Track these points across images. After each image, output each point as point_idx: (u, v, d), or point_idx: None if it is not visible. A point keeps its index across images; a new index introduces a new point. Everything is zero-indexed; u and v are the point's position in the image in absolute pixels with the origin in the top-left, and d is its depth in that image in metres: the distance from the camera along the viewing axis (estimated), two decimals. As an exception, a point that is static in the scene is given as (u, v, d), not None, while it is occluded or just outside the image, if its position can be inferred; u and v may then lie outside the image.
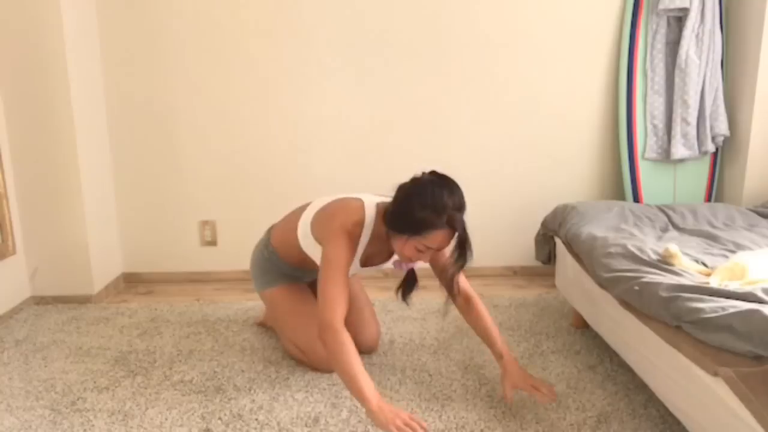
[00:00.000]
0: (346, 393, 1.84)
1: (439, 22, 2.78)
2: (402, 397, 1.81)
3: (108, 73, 2.78)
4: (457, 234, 1.59)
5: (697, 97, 2.72)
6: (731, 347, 1.27)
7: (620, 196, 2.94)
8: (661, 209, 2.40)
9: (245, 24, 2.76)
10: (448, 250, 1.66)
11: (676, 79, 2.72)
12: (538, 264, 2.66)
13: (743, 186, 2.73)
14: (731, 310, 1.32)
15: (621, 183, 2.91)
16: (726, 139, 2.82)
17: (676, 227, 2.28)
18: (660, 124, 2.79)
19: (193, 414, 1.73)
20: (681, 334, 1.41)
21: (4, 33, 2.41)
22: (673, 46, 2.75)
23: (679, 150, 2.74)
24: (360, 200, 1.79)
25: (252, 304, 2.61)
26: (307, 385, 1.90)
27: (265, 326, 2.37)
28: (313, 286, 2.05)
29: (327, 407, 1.76)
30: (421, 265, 1.81)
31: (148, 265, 2.99)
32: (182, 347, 2.18)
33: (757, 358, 1.23)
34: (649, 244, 1.94)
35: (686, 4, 2.62)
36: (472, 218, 1.66)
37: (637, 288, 1.60)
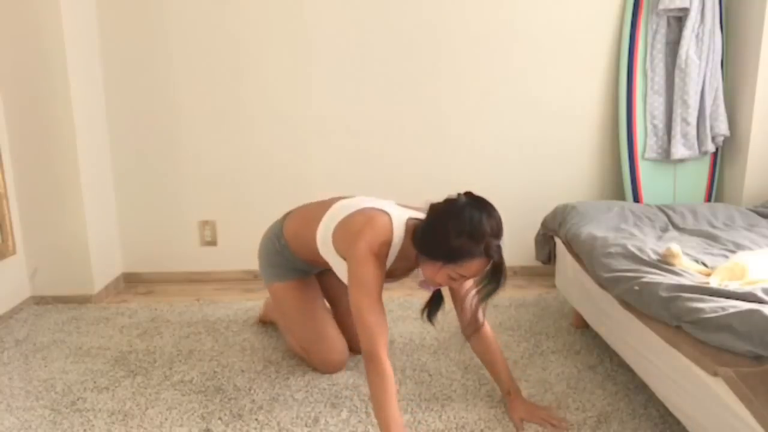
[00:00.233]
0: (346, 393, 1.84)
1: (439, 23, 2.78)
2: (402, 397, 1.81)
3: (108, 73, 2.78)
4: (493, 260, 1.50)
5: (697, 97, 2.72)
6: (731, 347, 1.27)
7: (620, 196, 2.94)
8: (661, 209, 2.40)
9: (245, 24, 2.76)
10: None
11: (676, 79, 2.72)
12: (538, 264, 2.66)
13: (743, 186, 2.73)
14: (731, 310, 1.32)
15: (621, 183, 2.91)
16: (726, 139, 2.82)
17: (676, 227, 2.28)
18: (660, 124, 2.79)
19: (193, 414, 1.73)
20: (681, 334, 1.41)
21: (4, 33, 2.41)
22: (673, 46, 2.75)
23: (679, 150, 2.74)
24: (388, 215, 1.66)
25: (252, 304, 2.61)
26: (307, 385, 1.90)
27: (265, 323, 2.36)
28: (321, 279, 2.04)
29: (327, 407, 1.76)
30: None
31: (148, 265, 2.99)
32: (182, 347, 2.18)
33: (757, 358, 1.23)
34: (649, 244, 1.94)
35: (686, 4, 2.62)
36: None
37: (637, 288, 1.60)
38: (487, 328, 1.76)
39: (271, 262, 1.98)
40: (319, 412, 1.73)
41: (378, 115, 2.87)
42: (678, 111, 2.73)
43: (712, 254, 1.88)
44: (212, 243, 2.97)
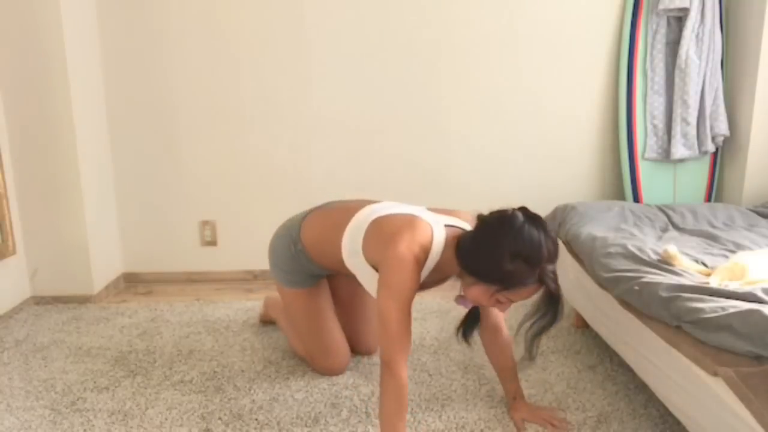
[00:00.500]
0: (346, 393, 1.84)
1: (439, 22, 2.78)
2: (402, 397, 1.81)
3: (108, 73, 2.78)
4: (549, 288, 1.38)
5: (697, 97, 2.72)
6: (731, 347, 1.27)
7: (620, 196, 2.94)
8: (661, 209, 2.40)
9: (245, 24, 2.76)
10: None
11: (676, 79, 2.71)
12: (538, 264, 2.66)
13: (743, 186, 2.73)
14: (731, 310, 1.32)
15: (621, 183, 2.91)
16: (726, 139, 2.82)
17: (676, 227, 2.28)
18: (660, 124, 2.79)
19: (193, 414, 1.73)
20: (681, 334, 1.41)
21: (4, 33, 2.41)
22: (673, 46, 2.75)
23: (679, 150, 2.74)
24: (428, 223, 1.52)
25: (252, 304, 2.61)
26: (307, 385, 1.90)
27: (266, 323, 2.36)
28: (330, 278, 1.97)
29: (327, 407, 1.76)
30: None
31: (148, 265, 2.99)
32: (182, 347, 2.18)
33: (757, 358, 1.23)
34: (649, 244, 1.94)
35: (686, 4, 2.62)
36: (472, 218, 1.65)
37: (637, 288, 1.60)
38: (506, 332, 1.71)
39: (284, 267, 1.87)
40: (319, 412, 1.73)
41: (379, 115, 2.87)
42: (678, 111, 2.73)
43: (712, 254, 1.88)
44: (212, 243, 2.98)
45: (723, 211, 2.38)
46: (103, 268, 2.77)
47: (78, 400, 1.81)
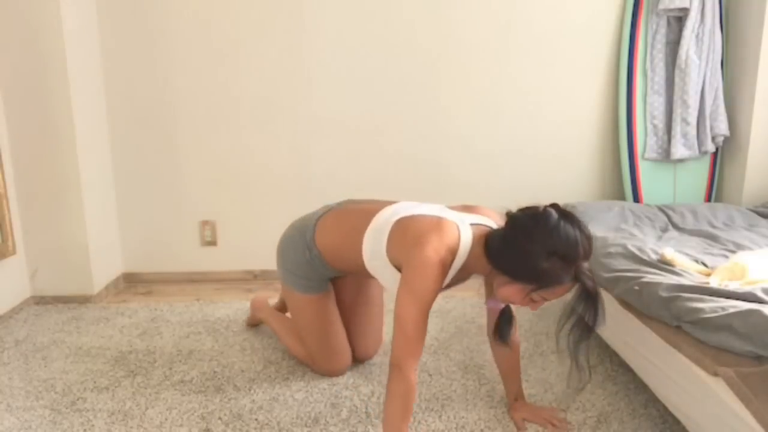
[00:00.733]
0: (346, 393, 1.84)
1: (439, 22, 2.78)
2: (402, 397, 1.81)
3: (108, 73, 2.78)
4: (585, 286, 1.33)
5: (697, 97, 2.72)
6: (731, 347, 1.27)
7: (620, 196, 2.94)
8: (661, 209, 2.40)
9: (245, 24, 2.76)
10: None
11: (676, 79, 2.72)
12: (538, 264, 2.66)
13: (743, 186, 2.73)
14: (731, 310, 1.32)
15: (621, 183, 2.91)
16: (726, 139, 2.82)
17: (676, 227, 2.28)
18: (660, 124, 2.79)
19: (193, 414, 1.73)
20: (681, 334, 1.41)
21: (4, 33, 2.41)
22: (673, 46, 2.75)
23: (679, 150, 2.74)
24: (453, 222, 1.50)
25: (252, 304, 2.61)
26: (307, 385, 1.90)
27: (253, 326, 2.35)
28: (335, 283, 1.94)
29: (327, 407, 1.76)
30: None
31: (148, 265, 2.99)
32: (182, 347, 2.18)
33: (757, 358, 1.23)
34: (649, 244, 1.94)
35: (686, 4, 2.62)
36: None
37: (637, 288, 1.60)
38: (516, 337, 1.68)
39: (298, 272, 1.84)
40: (319, 412, 1.73)
41: (379, 115, 2.87)
42: (678, 111, 2.73)
43: (712, 254, 1.89)
44: (212, 243, 2.98)
45: (723, 211, 2.38)
46: (103, 268, 2.77)
47: (78, 400, 1.81)
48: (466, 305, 2.55)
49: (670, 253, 1.75)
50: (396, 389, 1.40)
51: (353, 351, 1.97)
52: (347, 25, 2.78)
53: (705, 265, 1.77)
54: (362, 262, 1.64)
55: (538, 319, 2.40)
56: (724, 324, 1.29)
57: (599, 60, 2.84)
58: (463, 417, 1.70)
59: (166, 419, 1.70)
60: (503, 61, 2.83)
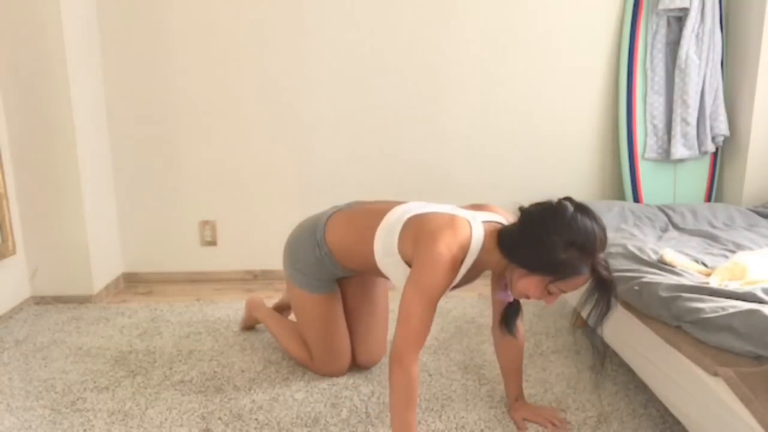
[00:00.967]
0: (346, 393, 1.84)
1: (439, 22, 2.78)
2: (402, 397, 1.81)
3: (108, 73, 2.78)
4: (602, 276, 1.34)
5: (697, 97, 2.72)
6: (731, 347, 1.27)
7: (620, 196, 2.94)
8: (661, 209, 2.40)
9: (245, 24, 2.76)
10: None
11: (676, 79, 2.72)
12: (538, 264, 2.66)
13: (743, 186, 2.73)
14: (731, 310, 1.32)
15: (621, 183, 2.92)
16: (726, 139, 2.82)
17: (676, 227, 2.28)
18: (660, 124, 2.79)
19: (193, 414, 1.73)
20: (681, 334, 1.41)
21: (4, 33, 2.41)
22: (673, 46, 2.75)
23: (679, 150, 2.74)
24: (465, 219, 1.50)
25: (252, 304, 2.61)
26: (307, 385, 1.90)
27: (248, 329, 2.33)
28: (342, 285, 1.93)
29: (327, 407, 1.76)
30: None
31: (148, 265, 2.99)
32: (182, 347, 2.18)
33: (757, 358, 1.23)
34: (649, 244, 1.94)
35: (686, 4, 2.62)
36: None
37: (637, 288, 1.60)
38: (522, 332, 1.68)
39: (306, 271, 1.83)
40: (319, 412, 1.73)
41: (379, 115, 2.87)
42: (678, 111, 2.73)
43: (712, 254, 1.88)
44: (212, 243, 2.98)
45: (723, 211, 2.38)
46: (103, 268, 2.77)
47: (78, 400, 1.81)
48: (466, 305, 2.55)
49: (669, 254, 1.75)
50: (398, 382, 1.41)
51: (355, 355, 1.96)
52: (347, 25, 2.78)
53: (705, 265, 1.77)
54: (374, 260, 1.64)
55: (538, 319, 2.41)
56: (724, 324, 1.29)
57: (599, 60, 2.84)
58: (463, 417, 1.70)
59: (166, 419, 1.70)
60: (503, 61, 2.83)
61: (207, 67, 2.79)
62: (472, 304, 2.56)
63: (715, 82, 2.74)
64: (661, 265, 1.72)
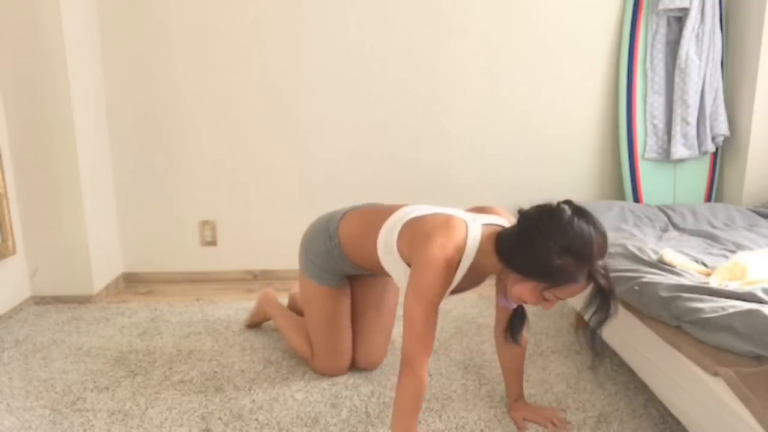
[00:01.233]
0: (346, 393, 1.84)
1: (439, 22, 2.78)
2: (402, 397, 1.81)
3: (108, 74, 2.78)
4: (599, 284, 1.30)
5: (697, 97, 2.72)
6: (731, 347, 1.27)
7: (620, 196, 2.94)
8: (661, 209, 2.40)
9: (245, 24, 2.76)
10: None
11: (676, 79, 2.72)
12: (538, 264, 2.66)
13: (743, 186, 2.73)
14: (731, 310, 1.32)
15: (621, 183, 2.92)
16: (726, 139, 2.82)
17: (676, 227, 2.28)
18: (660, 124, 2.79)
19: (193, 414, 1.73)
20: (681, 334, 1.41)
21: (4, 33, 2.41)
22: (673, 46, 2.75)
23: (679, 150, 2.74)
24: (462, 220, 1.49)
25: (252, 304, 2.60)
26: (307, 385, 1.90)
27: (253, 326, 2.34)
28: (351, 284, 1.94)
29: (327, 407, 1.76)
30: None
31: (148, 265, 2.99)
32: (182, 347, 2.18)
33: (757, 358, 1.23)
34: (649, 244, 1.94)
35: (686, 4, 2.62)
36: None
37: (637, 288, 1.60)
38: (525, 338, 1.66)
39: (317, 261, 1.85)
40: (319, 412, 1.73)
41: (379, 115, 2.87)
42: (678, 111, 2.73)
43: (712, 254, 1.88)
44: (212, 243, 2.98)
45: (723, 211, 2.38)
46: (103, 268, 2.77)
47: (78, 400, 1.81)
48: (466, 305, 2.55)
49: (669, 254, 1.75)
50: (407, 387, 1.41)
51: (355, 358, 1.96)
52: (348, 25, 2.78)
53: (705, 265, 1.77)
54: (377, 257, 1.66)
55: (538, 319, 2.40)
56: (724, 324, 1.29)
57: (599, 60, 2.84)
58: (463, 417, 1.70)
59: (166, 419, 1.70)
60: (503, 61, 2.83)
61: (207, 67, 2.79)
62: (472, 304, 2.56)
63: (715, 82, 2.74)
64: (661, 265, 1.72)
